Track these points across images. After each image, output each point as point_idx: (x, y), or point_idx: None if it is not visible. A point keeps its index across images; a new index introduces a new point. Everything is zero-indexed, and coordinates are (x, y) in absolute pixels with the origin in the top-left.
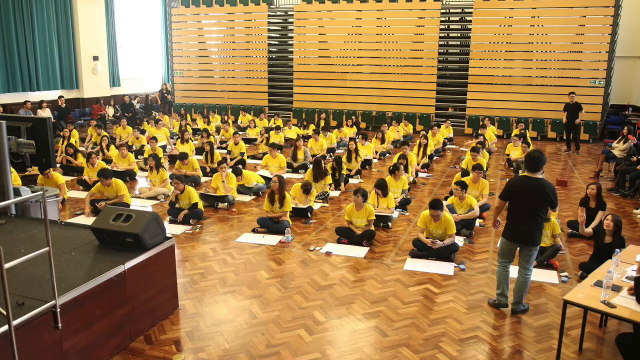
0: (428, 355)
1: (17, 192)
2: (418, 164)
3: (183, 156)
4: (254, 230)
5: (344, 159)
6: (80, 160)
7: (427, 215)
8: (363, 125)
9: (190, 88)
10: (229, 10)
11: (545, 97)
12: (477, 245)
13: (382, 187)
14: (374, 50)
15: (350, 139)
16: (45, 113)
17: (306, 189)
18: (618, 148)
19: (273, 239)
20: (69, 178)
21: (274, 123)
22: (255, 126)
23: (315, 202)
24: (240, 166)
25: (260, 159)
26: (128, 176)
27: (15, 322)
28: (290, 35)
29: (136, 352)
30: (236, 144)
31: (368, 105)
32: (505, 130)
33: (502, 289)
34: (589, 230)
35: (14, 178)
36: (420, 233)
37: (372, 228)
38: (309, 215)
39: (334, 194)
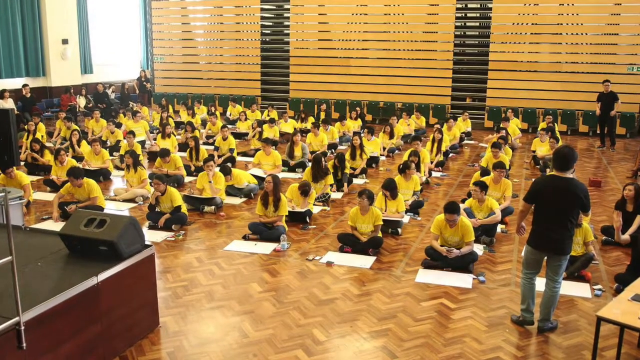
0: None
1: None
2: (431, 162)
3: (164, 153)
4: (245, 237)
5: (347, 156)
6: (48, 158)
7: (442, 220)
8: (369, 117)
9: (172, 76)
10: None
11: (576, 86)
12: (499, 254)
13: (390, 188)
14: (382, 32)
15: (355, 133)
16: (8, 104)
17: (304, 190)
18: None
19: (267, 247)
20: (35, 178)
21: (268, 115)
22: (246, 119)
23: (314, 205)
24: (229, 164)
25: (252, 156)
26: (102, 175)
27: None
28: (286, 15)
29: None
30: (225, 139)
31: (375, 95)
32: (530, 124)
33: (527, 304)
34: (626, 237)
35: None
36: (434, 240)
37: (380, 234)
38: (308, 220)
39: (336, 195)
